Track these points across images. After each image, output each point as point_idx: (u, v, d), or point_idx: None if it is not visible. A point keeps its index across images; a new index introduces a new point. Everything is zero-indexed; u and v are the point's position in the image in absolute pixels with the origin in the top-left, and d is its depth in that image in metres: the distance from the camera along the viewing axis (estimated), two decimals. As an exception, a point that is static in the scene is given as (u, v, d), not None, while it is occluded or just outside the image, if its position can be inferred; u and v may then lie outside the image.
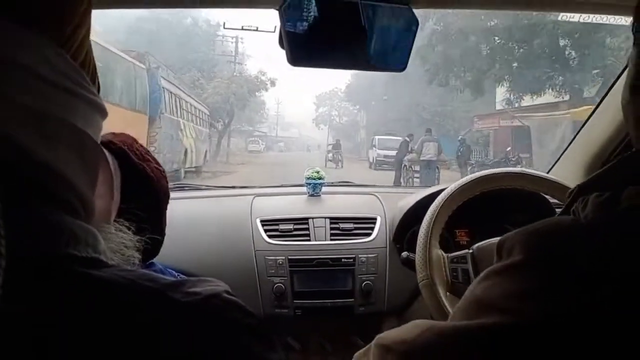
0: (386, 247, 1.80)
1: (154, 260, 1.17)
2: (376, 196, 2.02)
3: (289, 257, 1.73)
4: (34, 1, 0.44)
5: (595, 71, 15.38)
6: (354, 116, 43.08)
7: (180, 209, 1.86)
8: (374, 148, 24.23)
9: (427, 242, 1.43)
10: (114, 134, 1.07)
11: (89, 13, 0.49)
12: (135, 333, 0.41)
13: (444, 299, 1.38)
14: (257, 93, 27.30)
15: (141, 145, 1.09)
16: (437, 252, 1.45)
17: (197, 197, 2.09)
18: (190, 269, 1.59)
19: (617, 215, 0.51)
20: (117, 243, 0.52)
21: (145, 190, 1.02)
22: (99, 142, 0.49)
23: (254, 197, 1.98)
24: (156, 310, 0.42)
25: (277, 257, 1.73)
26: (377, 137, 25.10)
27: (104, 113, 0.50)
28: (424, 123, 27.68)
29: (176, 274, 1.21)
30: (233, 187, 2.31)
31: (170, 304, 0.43)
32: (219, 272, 1.65)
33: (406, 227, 1.80)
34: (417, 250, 1.46)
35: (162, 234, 1.12)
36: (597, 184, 0.55)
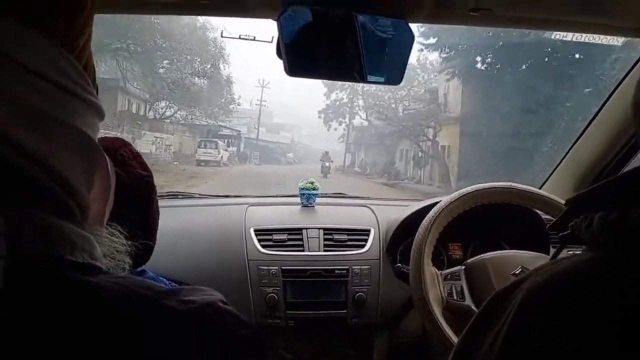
0: (379, 258, 1.80)
1: (146, 268, 1.16)
2: (370, 208, 2.02)
3: (282, 268, 1.72)
4: (42, 5, 0.45)
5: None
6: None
7: (173, 218, 1.86)
8: None
9: (421, 259, 1.43)
10: (104, 138, 1.05)
11: (92, 18, 0.50)
12: (130, 340, 0.41)
13: (439, 317, 1.38)
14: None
15: (130, 150, 1.05)
16: (431, 269, 1.45)
17: (191, 206, 2.08)
18: (182, 277, 1.58)
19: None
20: (109, 247, 0.52)
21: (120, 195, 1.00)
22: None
23: (247, 207, 1.98)
24: (152, 318, 0.43)
25: (270, 267, 1.72)
26: None
27: (102, 115, 0.51)
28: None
29: (167, 282, 1.20)
30: (227, 197, 2.31)
31: (166, 311, 0.43)
32: (211, 281, 1.64)
33: (399, 240, 1.80)
34: (410, 267, 1.46)
35: (151, 239, 1.10)
36: (598, 197, 0.54)
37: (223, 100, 21.75)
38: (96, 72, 0.53)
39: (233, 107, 23.02)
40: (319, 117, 26.48)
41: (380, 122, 24.14)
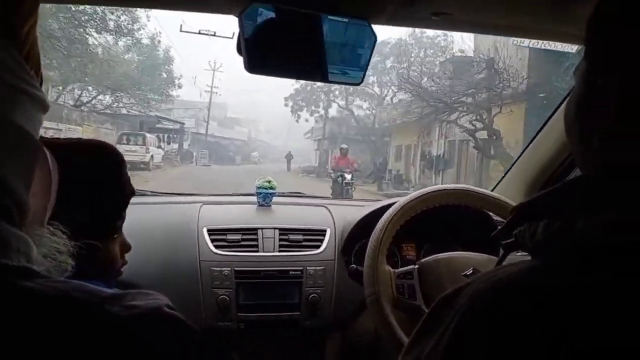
0: (334, 259, 1.80)
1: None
2: (327, 208, 2.02)
3: (235, 269, 1.69)
4: None
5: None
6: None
7: None
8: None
9: (375, 258, 1.44)
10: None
11: (37, 6, 0.47)
12: (69, 348, 0.39)
13: (389, 314, 1.39)
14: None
15: None
16: (385, 267, 1.46)
17: (142, 203, 2.01)
18: (130, 277, 1.51)
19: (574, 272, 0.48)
20: (49, 248, 0.50)
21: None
22: (38, 137, 0.48)
23: (201, 205, 1.93)
24: (93, 324, 0.41)
25: (223, 268, 1.68)
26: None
27: (45, 107, 0.48)
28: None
29: (111, 286, 1.14)
30: (180, 194, 2.25)
31: (108, 317, 0.41)
32: (160, 282, 1.59)
33: (355, 240, 1.80)
34: (365, 265, 1.46)
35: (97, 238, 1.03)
36: (540, 206, 0.55)
37: (160, 83, 15.85)
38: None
39: (174, 92, 17.11)
40: (286, 104, 20.47)
41: (365, 112, 18.28)
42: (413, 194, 1.56)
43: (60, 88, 13.51)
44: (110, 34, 13.82)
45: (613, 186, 0.50)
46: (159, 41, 16.03)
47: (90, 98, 14.77)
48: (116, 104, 15.41)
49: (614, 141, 0.52)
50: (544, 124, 1.80)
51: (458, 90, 12.62)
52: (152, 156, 15.38)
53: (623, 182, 0.50)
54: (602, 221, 0.47)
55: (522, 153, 1.94)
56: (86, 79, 13.66)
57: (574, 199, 0.52)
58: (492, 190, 1.92)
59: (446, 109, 12.81)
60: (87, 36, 13.21)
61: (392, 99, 17.24)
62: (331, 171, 12.27)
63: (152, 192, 2.19)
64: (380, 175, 15.67)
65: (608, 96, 0.52)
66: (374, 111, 18.77)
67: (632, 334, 0.44)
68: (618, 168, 0.52)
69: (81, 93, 14.42)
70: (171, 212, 1.96)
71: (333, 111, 20.31)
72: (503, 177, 2.02)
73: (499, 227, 0.60)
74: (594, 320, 0.45)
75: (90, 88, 14.38)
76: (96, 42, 13.84)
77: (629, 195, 0.48)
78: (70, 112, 13.65)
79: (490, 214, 1.71)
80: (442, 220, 1.71)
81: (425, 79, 14.12)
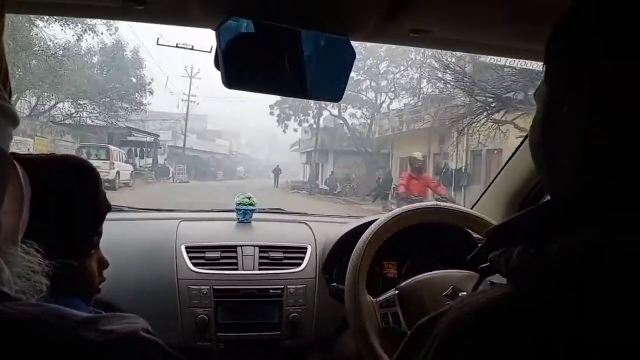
0: (316, 277, 1.78)
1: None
2: (308, 225, 2.00)
3: (215, 287, 1.66)
4: None
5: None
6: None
7: None
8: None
9: (356, 289, 1.42)
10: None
11: (3, 17, 0.46)
12: None
13: (378, 348, 1.37)
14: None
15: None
16: (367, 299, 1.45)
17: (118, 220, 1.97)
18: (107, 296, 1.48)
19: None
20: (23, 267, 0.48)
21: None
22: (9, 151, 0.46)
23: (180, 222, 1.90)
24: (67, 351, 0.39)
25: (202, 287, 1.65)
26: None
27: (16, 121, 0.46)
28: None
29: (88, 307, 1.11)
30: (159, 210, 2.21)
31: (82, 343, 0.40)
32: (137, 300, 1.55)
33: (336, 258, 1.78)
34: (346, 297, 1.44)
35: (73, 257, 1.01)
36: (516, 229, 0.54)
37: (129, 88, 13.84)
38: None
39: (145, 100, 15.27)
40: (271, 113, 18.56)
41: (359, 121, 16.71)
42: (389, 214, 1.55)
43: (15, 96, 11.65)
44: (57, 23, 11.88)
45: (588, 209, 0.50)
46: (117, 28, 13.95)
47: (49, 107, 12.94)
48: (79, 114, 13.47)
49: (587, 165, 0.52)
50: (521, 143, 1.82)
51: (502, 82, 9.71)
52: (118, 173, 13.48)
53: (598, 205, 0.49)
54: (577, 242, 0.47)
55: (501, 171, 1.95)
56: (41, 83, 11.87)
57: (549, 222, 0.52)
58: (472, 208, 1.93)
59: (500, 105, 9.77)
60: (29, 25, 11.28)
61: (389, 106, 15.39)
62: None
63: (129, 207, 2.15)
64: (383, 193, 12.71)
65: (575, 119, 0.51)
66: (368, 120, 16.83)
67: (624, 336, 0.43)
68: (591, 191, 0.51)
69: (38, 100, 12.52)
70: (149, 229, 1.93)
71: (324, 120, 18.15)
72: (484, 193, 2.03)
73: (478, 248, 0.60)
74: (581, 326, 0.44)
75: (46, 94, 12.59)
76: (45, 36, 11.74)
77: (605, 217, 0.48)
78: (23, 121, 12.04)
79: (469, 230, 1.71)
80: (423, 237, 1.71)
81: (471, 67, 10.70)
